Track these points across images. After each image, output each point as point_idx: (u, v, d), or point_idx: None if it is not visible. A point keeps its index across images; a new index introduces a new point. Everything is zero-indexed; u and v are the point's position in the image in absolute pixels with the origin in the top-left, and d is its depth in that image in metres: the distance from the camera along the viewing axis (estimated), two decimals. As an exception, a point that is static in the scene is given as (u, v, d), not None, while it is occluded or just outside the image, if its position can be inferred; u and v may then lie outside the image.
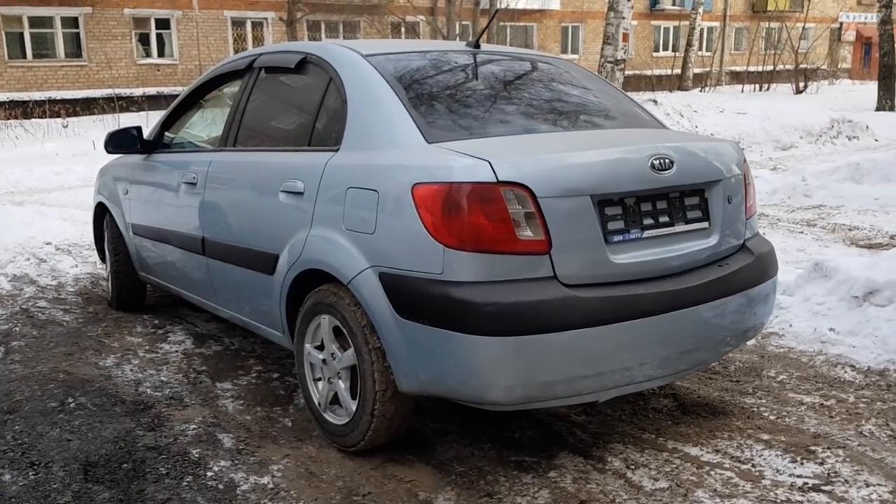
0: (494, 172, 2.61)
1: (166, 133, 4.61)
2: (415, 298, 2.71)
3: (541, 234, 2.65)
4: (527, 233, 2.64)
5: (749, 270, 3.17)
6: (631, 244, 2.85)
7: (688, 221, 3.03)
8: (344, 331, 3.01)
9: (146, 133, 4.66)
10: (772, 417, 3.36)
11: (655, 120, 3.65)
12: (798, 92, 28.72)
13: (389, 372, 2.86)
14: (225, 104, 4.15)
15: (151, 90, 21.45)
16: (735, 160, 3.28)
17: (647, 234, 2.90)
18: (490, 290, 2.60)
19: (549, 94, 3.46)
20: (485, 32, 3.78)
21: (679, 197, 3.01)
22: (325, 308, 3.08)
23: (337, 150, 3.13)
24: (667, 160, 2.91)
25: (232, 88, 4.10)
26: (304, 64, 3.53)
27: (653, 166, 2.87)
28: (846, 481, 2.82)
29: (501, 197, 2.61)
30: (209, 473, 2.96)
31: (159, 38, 22.65)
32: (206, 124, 4.48)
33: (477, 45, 3.62)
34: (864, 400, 3.51)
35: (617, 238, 2.82)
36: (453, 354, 2.65)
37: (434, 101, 3.15)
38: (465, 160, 2.67)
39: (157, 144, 4.59)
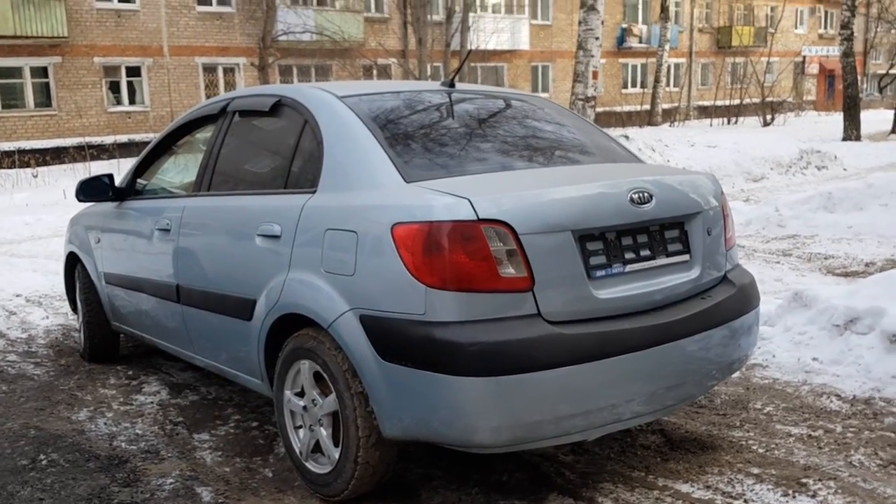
0: (475, 210, 2.58)
1: (139, 180, 4.55)
2: (397, 340, 2.65)
3: (523, 271, 2.62)
4: (509, 270, 2.60)
5: (732, 302, 3.15)
6: (613, 279, 2.83)
7: (669, 254, 3.01)
8: (325, 376, 2.93)
9: (118, 180, 4.59)
10: (761, 450, 3.32)
11: (631, 154, 3.65)
12: (766, 124, 29.25)
13: (373, 417, 2.79)
14: (198, 149, 4.10)
15: (123, 137, 21.34)
16: (712, 192, 3.28)
17: (629, 268, 2.87)
18: (473, 330, 2.55)
19: (525, 131, 3.45)
20: (457, 73, 3.78)
21: (659, 230, 3.00)
22: (305, 353, 3.01)
23: (314, 192, 3.09)
24: (646, 194, 2.90)
25: (205, 133, 4.06)
26: (278, 107, 3.51)
27: (632, 200, 2.86)
28: (840, 514, 2.78)
29: (482, 235, 2.58)
30: (188, 529, 2.86)
31: (130, 85, 22.60)
32: (179, 170, 4.43)
33: (452, 84, 3.61)
34: (851, 429, 3.48)
35: (599, 273, 2.79)
36: (438, 397, 2.59)
37: (411, 140, 3.12)
38: (445, 199, 2.63)
39: (129, 191, 4.52)
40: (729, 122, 30.97)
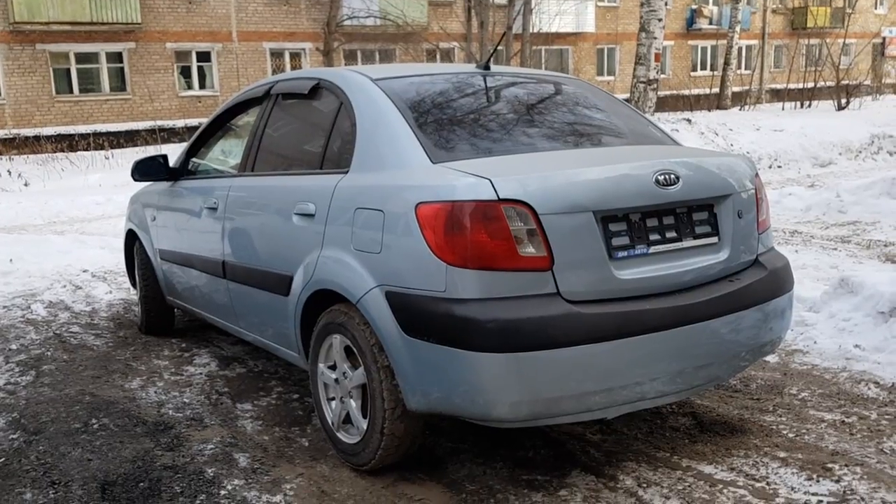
0: (495, 190, 2.64)
1: (191, 160, 4.73)
2: (420, 316, 2.73)
3: (543, 251, 2.66)
4: (529, 249, 2.65)
5: (762, 285, 3.13)
6: (636, 260, 2.85)
7: (696, 237, 3.01)
8: (354, 350, 3.04)
9: (172, 161, 4.78)
10: (790, 435, 3.30)
11: (668, 137, 3.64)
12: (840, 108, 28.24)
13: (398, 390, 2.88)
14: (245, 130, 4.25)
15: (193, 121, 21.90)
16: (746, 175, 3.26)
17: (653, 249, 2.89)
18: (492, 307, 2.61)
19: (556, 113, 3.48)
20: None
21: (687, 212, 3.00)
22: (337, 328, 3.12)
23: (346, 173, 3.19)
24: (672, 175, 2.90)
25: (251, 115, 4.20)
26: (316, 89, 3.61)
27: (657, 182, 2.87)
28: (862, 499, 2.76)
29: (503, 214, 2.63)
30: (222, 492, 3.01)
31: (200, 70, 23.21)
32: (227, 151, 4.59)
33: (487, 67, 3.66)
34: (886, 417, 3.43)
35: (622, 254, 2.82)
36: (458, 371, 2.67)
37: (441, 122, 3.19)
38: (467, 179, 2.70)
39: (182, 171, 4.71)
40: (802, 106, 30.01)
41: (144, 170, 4.67)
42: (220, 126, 4.59)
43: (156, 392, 4.10)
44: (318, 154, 3.47)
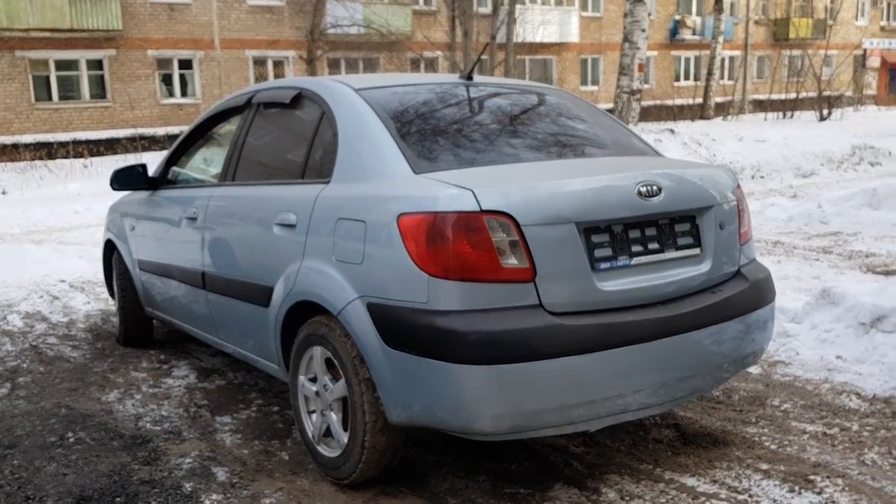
0: (478, 201, 2.62)
1: (171, 169, 4.68)
2: (401, 328, 2.71)
3: (525, 263, 2.65)
4: (511, 261, 2.64)
5: (744, 296, 3.13)
6: (619, 271, 2.84)
7: (678, 248, 3.01)
8: (335, 362, 3.01)
9: (151, 170, 4.73)
10: (773, 447, 3.30)
11: (650, 148, 3.64)
12: (822, 119, 28.53)
13: (379, 403, 2.85)
14: (226, 140, 4.21)
15: (174, 129, 21.78)
16: (728, 186, 3.26)
17: (635, 261, 2.88)
18: (474, 319, 2.59)
19: (539, 124, 3.47)
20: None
21: (669, 223, 2.99)
22: (317, 339, 3.09)
23: (328, 183, 3.16)
24: (654, 187, 2.90)
25: (232, 124, 4.16)
26: (298, 99, 3.59)
27: (640, 193, 2.86)
28: (844, 511, 2.76)
29: (485, 226, 2.61)
30: (200, 507, 2.96)
31: (182, 78, 23.09)
32: (208, 160, 4.54)
33: (469, 77, 3.65)
34: (868, 428, 3.43)
35: (604, 265, 2.80)
36: (440, 384, 2.64)
37: (423, 132, 3.17)
38: (450, 190, 2.68)
39: (161, 181, 4.66)
40: (784, 117, 30.28)
41: (123, 179, 4.62)
42: (200, 135, 4.55)
43: (133, 405, 4.04)
44: (300, 164, 3.44)
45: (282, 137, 3.84)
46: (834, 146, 15.51)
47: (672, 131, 15.50)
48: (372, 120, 3.15)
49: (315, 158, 3.36)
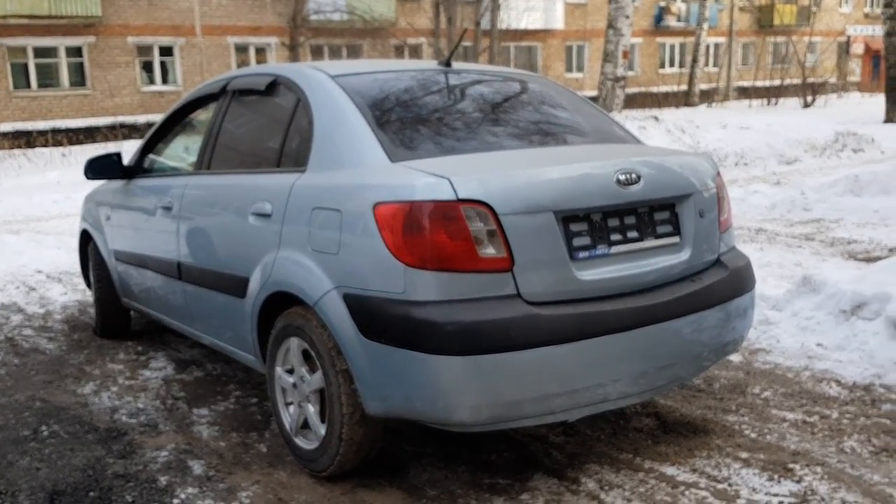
0: (454, 190, 2.58)
1: (146, 157, 4.61)
2: (378, 319, 2.67)
3: (503, 252, 2.61)
4: (488, 250, 2.60)
5: (724, 284, 3.12)
6: (598, 260, 2.81)
7: (658, 236, 2.98)
8: (312, 353, 2.97)
9: (126, 159, 4.65)
10: (753, 435, 3.29)
11: (631, 136, 3.61)
12: (806, 106, 28.64)
13: (356, 395, 2.81)
14: (201, 128, 4.15)
15: (154, 117, 21.53)
16: (708, 174, 3.23)
17: (614, 249, 2.85)
18: (451, 309, 2.55)
19: (518, 112, 3.43)
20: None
21: (648, 212, 2.96)
22: (294, 330, 3.04)
23: (304, 171, 3.11)
24: (633, 175, 2.87)
25: (207, 112, 4.09)
26: (273, 86, 3.53)
27: (619, 181, 2.83)
28: (822, 499, 2.75)
29: (462, 215, 2.58)
30: (175, 501, 2.91)
31: (163, 65, 22.87)
32: (183, 148, 4.48)
33: (448, 64, 3.60)
34: (847, 416, 3.43)
35: (583, 254, 2.77)
36: (417, 375, 2.61)
37: (400, 120, 3.12)
38: (426, 178, 2.64)
39: (136, 169, 4.59)
40: (769, 104, 30.36)
41: (98, 168, 4.54)
42: (175, 123, 4.48)
43: (109, 397, 3.99)
44: (275, 152, 3.38)
45: (257, 125, 3.78)
46: (817, 133, 15.56)
47: (656, 118, 15.48)
48: (348, 107, 3.10)
49: (291, 147, 3.31)
